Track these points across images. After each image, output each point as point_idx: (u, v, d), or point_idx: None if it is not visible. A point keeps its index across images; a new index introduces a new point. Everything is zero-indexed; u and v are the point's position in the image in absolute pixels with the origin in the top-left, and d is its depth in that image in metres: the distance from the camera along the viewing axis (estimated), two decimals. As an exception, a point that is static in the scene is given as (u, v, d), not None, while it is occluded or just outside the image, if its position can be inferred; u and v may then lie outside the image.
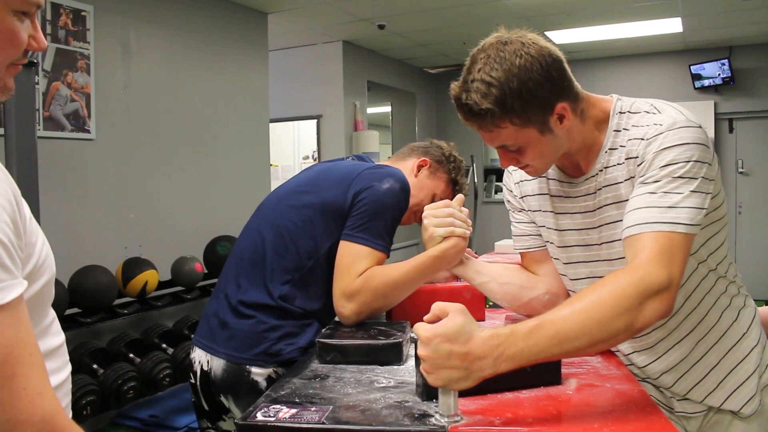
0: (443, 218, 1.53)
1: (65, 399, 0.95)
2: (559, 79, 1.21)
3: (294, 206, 1.67)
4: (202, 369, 1.65)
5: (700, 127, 1.21)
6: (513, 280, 1.54)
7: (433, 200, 1.82)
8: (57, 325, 0.97)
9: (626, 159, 1.27)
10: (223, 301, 1.67)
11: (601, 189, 1.33)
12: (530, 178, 1.48)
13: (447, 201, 1.58)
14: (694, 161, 1.16)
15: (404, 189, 1.63)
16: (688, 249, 1.13)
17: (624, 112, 1.30)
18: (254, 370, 1.57)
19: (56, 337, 0.96)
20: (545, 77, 1.19)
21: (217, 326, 1.65)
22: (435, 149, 1.90)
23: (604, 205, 1.32)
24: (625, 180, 1.27)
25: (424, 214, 1.57)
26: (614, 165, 1.29)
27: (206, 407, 1.68)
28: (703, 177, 1.16)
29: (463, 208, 1.58)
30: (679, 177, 1.15)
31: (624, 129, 1.28)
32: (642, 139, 1.23)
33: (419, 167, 1.86)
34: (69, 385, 0.98)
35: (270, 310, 1.60)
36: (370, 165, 1.71)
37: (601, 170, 1.32)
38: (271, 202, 1.76)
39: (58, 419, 0.79)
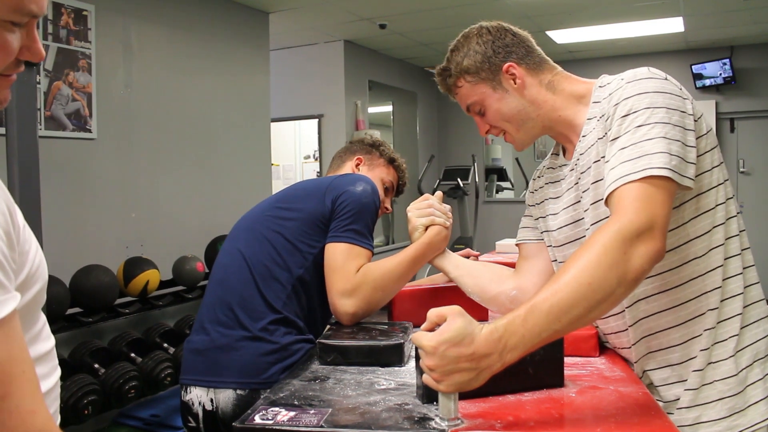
0: (424, 209, 1.69)
1: (54, 404, 0.94)
2: (506, 43, 1.40)
3: (276, 217, 1.69)
4: (204, 410, 1.55)
5: (666, 79, 1.21)
6: (485, 274, 1.62)
7: (384, 187, 1.95)
8: (47, 329, 0.95)
9: (597, 120, 1.29)
10: (215, 333, 1.59)
11: (580, 156, 1.34)
12: (546, 173, 1.53)
13: (427, 195, 1.74)
14: (656, 108, 1.15)
15: (375, 190, 1.72)
16: (668, 193, 1.09)
17: (603, 86, 1.33)
18: None
19: (46, 342, 0.94)
20: (492, 40, 1.41)
21: (216, 357, 1.56)
22: (358, 144, 2.02)
23: (583, 172, 1.33)
24: (598, 140, 1.28)
25: (407, 210, 1.71)
26: (591, 131, 1.31)
27: None
28: (672, 124, 1.14)
29: (445, 204, 1.73)
30: (641, 125, 1.14)
31: (602, 98, 1.30)
32: (609, 96, 1.26)
33: (357, 166, 1.96)
34: (58, 390, 0.96)
35: (278, 323, 1.57)
36: (335, 176, 1.78)
37: (580, 139, 1.35)
38: (248, 221, 1.76)
39: None
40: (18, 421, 0.74)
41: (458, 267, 1.66)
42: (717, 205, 1.23)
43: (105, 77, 3.94)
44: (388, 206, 1.96)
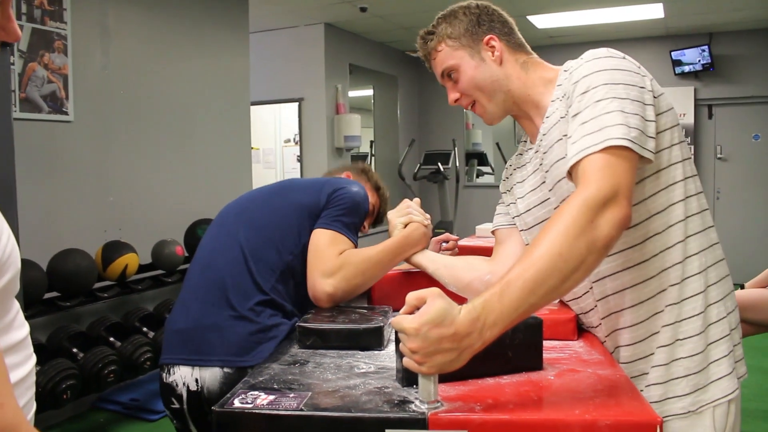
0: (402, 209, 1.79)
1: (29, 392, 0.92)
2: (492, 19, 1.45)
3: (270, 205, 1.73)
4: (189, 390, 1.54)
5: (624, 58, 1.25)
6: (459, 264, 1.66)
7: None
8: (21, 317, 0.93)
9: (560, 101, 1.32)
10: (201, 312, 1.59)
11: (543, 136, 1.36)
12: (515, 160, 1.55)
13: (406, 200, 1.83)
14: (614, 84, 1.18)
15: (367, 197, 1.79)
16: (630, 162, 1.11)
17: (568, 69, 1.34)
18: None
19: (20, 330, 0.91)
20: (478, 14, 1.45)
21: (202, 336, 1.56)
22: (352, 166, 2.12)
23: (545, 152, 1.36)
24: (560, 119, 1.30)
25: (387, 214, 1.82)
26: (554, 111, 1.34)
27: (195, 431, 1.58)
28: (631, 99, 1.16)
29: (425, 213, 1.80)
30: (600, 100, 1.17)
31: (564, 80, 1.33)
32: (569, 75, 1.29)
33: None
34: (33, 378, 0.94)
35: (265, 305, 1.58)
36: (329, 177, 1.87)
37: (544, 120, 1.37)
38: (238, 208, 1.78)
39: (19, 430, 0.77)
40: None
41: (434, 261, 1.70)
42: (675, 183, 1.26)
43: (81, 59, 3.88)
44: (366, 226, 2.00)
